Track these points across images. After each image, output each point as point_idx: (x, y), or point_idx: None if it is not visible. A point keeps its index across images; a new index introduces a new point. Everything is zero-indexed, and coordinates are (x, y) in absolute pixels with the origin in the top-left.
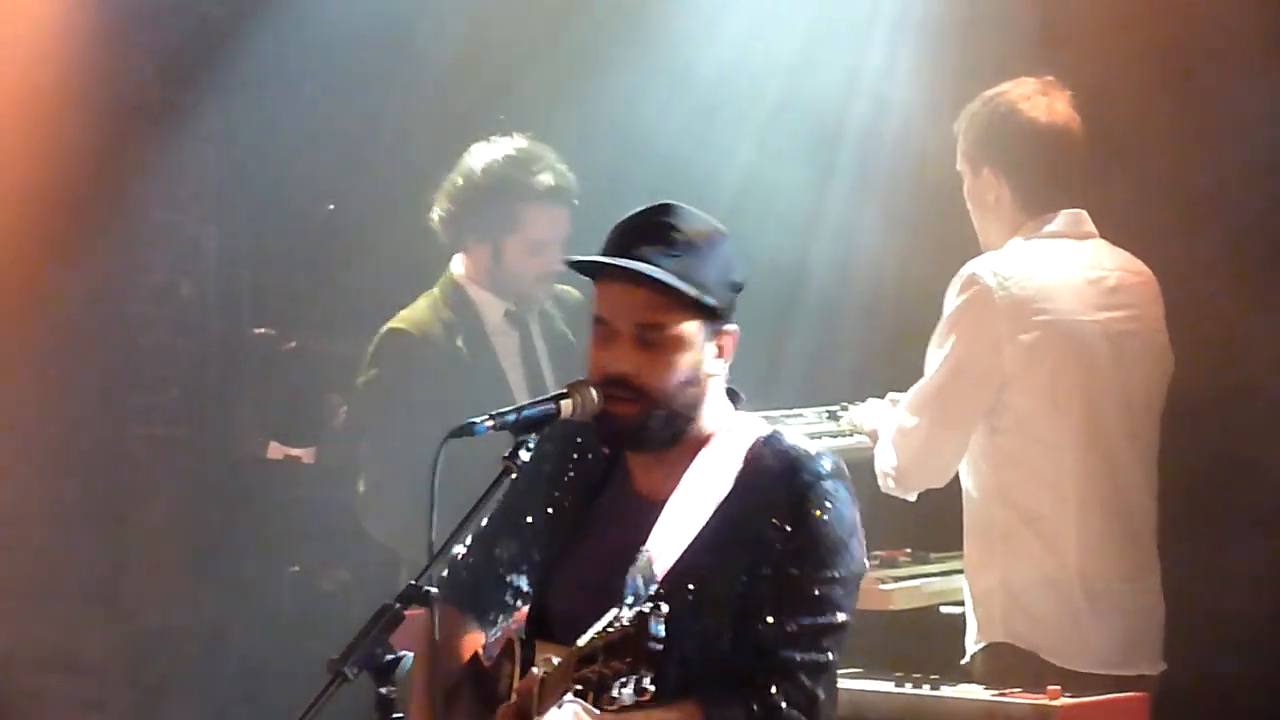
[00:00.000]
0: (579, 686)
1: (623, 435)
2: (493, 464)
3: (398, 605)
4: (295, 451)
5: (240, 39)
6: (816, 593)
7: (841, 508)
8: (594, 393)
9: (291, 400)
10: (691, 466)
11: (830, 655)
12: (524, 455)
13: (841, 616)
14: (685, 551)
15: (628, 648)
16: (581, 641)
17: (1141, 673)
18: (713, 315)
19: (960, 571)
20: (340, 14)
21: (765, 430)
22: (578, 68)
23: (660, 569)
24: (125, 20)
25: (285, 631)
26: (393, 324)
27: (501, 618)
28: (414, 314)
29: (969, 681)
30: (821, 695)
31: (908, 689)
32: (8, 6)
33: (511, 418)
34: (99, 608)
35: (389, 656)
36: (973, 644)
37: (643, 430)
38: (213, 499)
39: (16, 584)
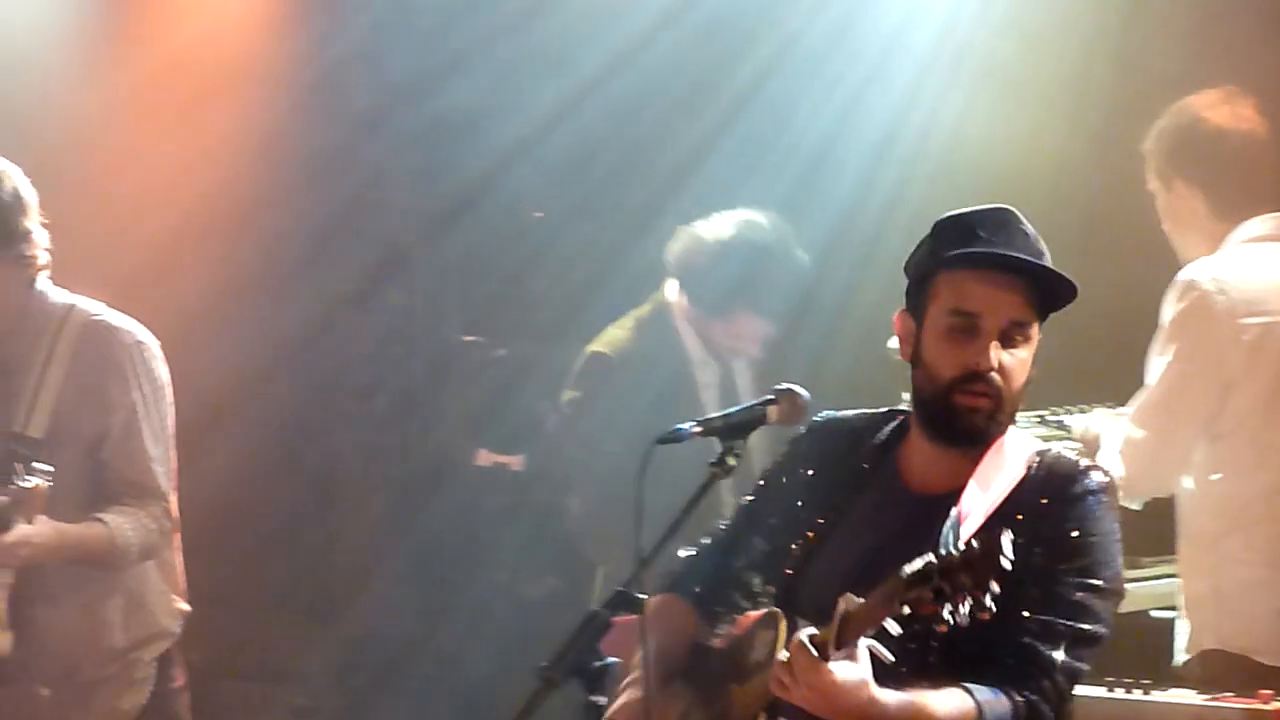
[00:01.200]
0: (907, 610)
1: (972, 430)
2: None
3: (606, 612)
4: (504, 458)
5: (458, 50)
6: (1083, 599)
7: (1112, 523)
8: (800, 399)
9: (500, 407)
10: (979, 468)
11: (1085, 665)
12: (731, 461)
13: (1102, 630)
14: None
15: (975, 566)
16: (906, 570)
17: None
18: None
19: (1172, 576)
20: (557, 33)
21: (1038, 443)
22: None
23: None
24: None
25: (493, 638)
26: (595, 346)
27: (727, 616)
28: (617, 336)
29: (1180, 686)
30: (1069, 693)
31: (1119, 694)
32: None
33: (718, 423)
34: (308, 615)
35: (597, 663)
36: (1184, 650)
37: (990, 427)
38: (421, 506)
39: (224, 592)
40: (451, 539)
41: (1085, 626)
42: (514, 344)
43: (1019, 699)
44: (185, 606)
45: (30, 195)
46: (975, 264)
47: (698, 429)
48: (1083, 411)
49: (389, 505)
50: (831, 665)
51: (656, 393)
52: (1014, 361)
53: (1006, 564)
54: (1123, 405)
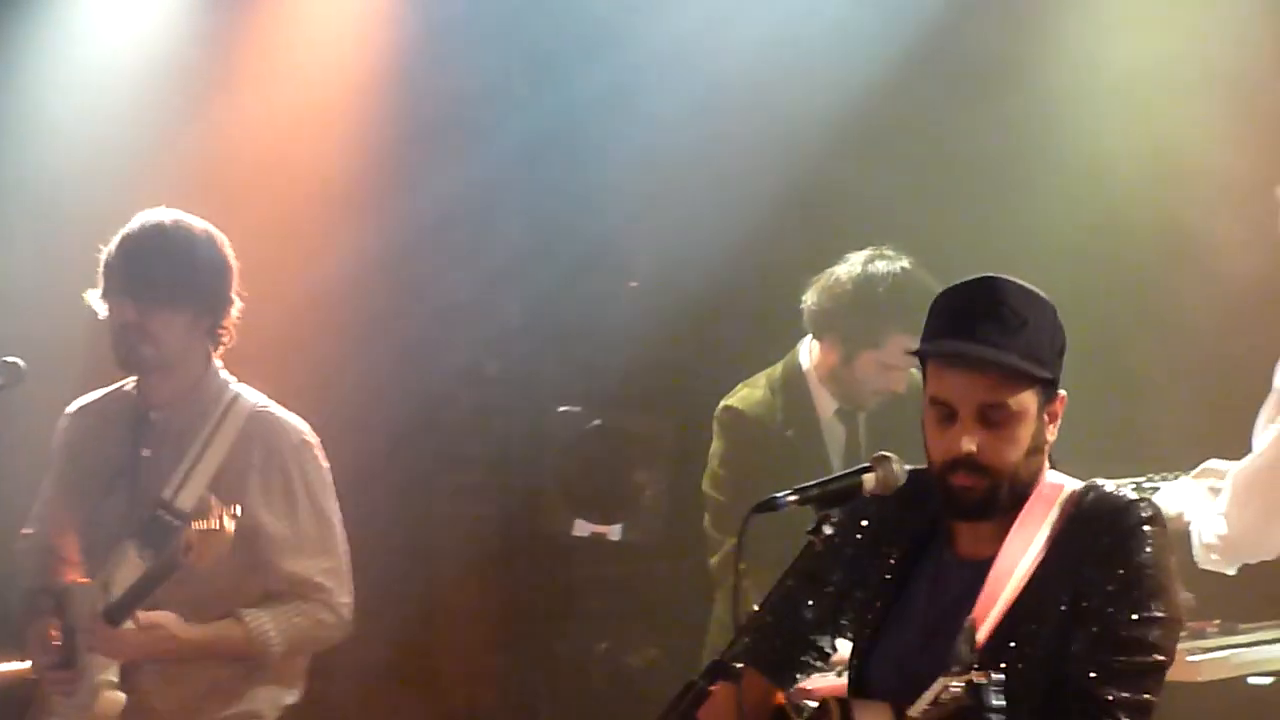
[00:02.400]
0: None
1: (970, 509)
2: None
3: (704, 682)
4: (601, 528)
5: (547, 115)
6: (1138, 635)
7: (1162, 552)
8: (897, 467)
9: (597, 477)
10: (1015, 527)
11: (1151, 696)
12: (827, 530)
13: (1161, 657)
14: (1009, 611)
15: (964, 718)
16: (913, 712)
17: None
18: (1049, 386)
19: (1270, 642)
20: (652, 85)
21: (1080, 483)
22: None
23: (984, 633)
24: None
25: (595, 709)
26: (729, 401)
27: (800, 677)
28: (751, 394)
29: None
30: None
31: None
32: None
33: (814, 492)
34: (412, 687)
35: None
36: None
37: (990, 503)
38: (520, 577)
39: (324, 664)
40: (552, 610)
41: (1143, 660)
42: (609, 413)
43: None
44: (292, 699)
45: (234, 264)
46: (928, 357)
47: (793, 498)
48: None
49: (489, 576)
50: None
51: (784, 448)
52: (1000, 438)
53: (993, 718)
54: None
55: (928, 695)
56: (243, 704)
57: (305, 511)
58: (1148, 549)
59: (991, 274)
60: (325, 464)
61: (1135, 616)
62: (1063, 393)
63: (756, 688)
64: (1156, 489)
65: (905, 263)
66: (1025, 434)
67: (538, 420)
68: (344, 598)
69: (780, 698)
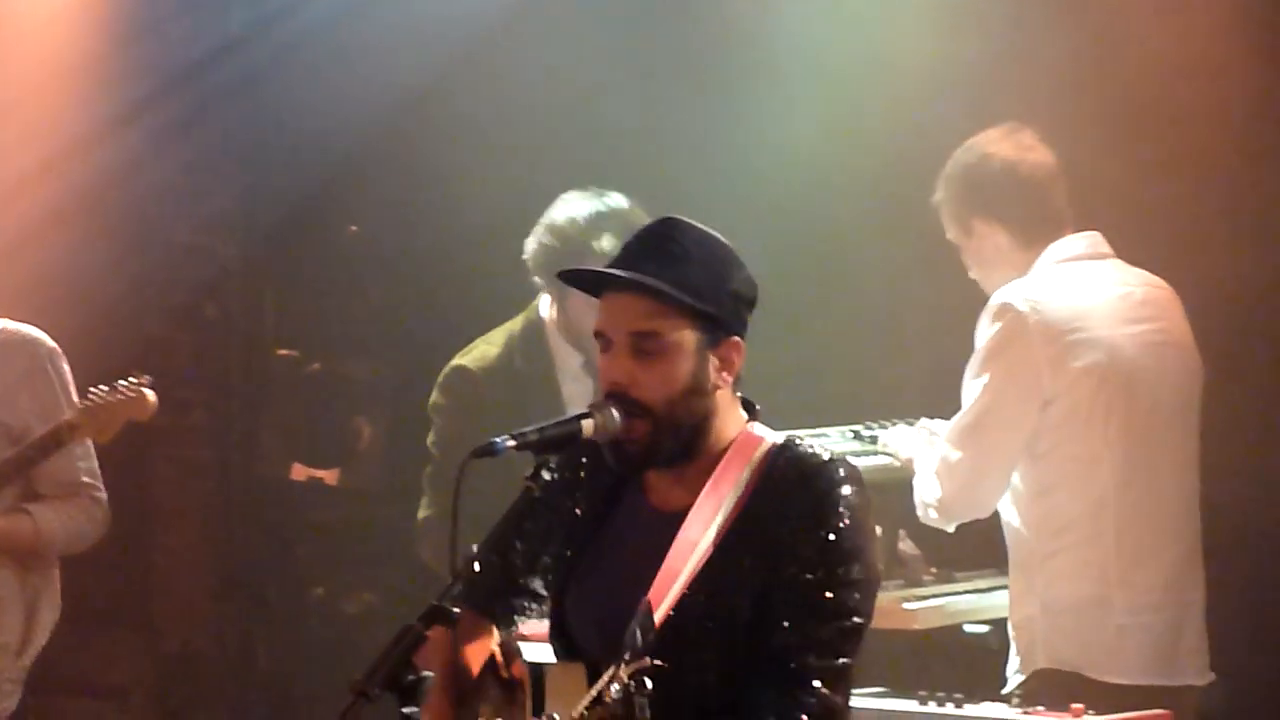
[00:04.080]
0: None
1: (633, 459)
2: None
3: (420, 626)
4: (319, 473)
5: (265, 57)
6: (833, 597)
7: (859, 512)
8: (615, 413)
9: (316, 422)
10: (709, 481)
11: (848, 660)
12: (545, 475)
13: (859, 620)
14: (692, 585)
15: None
16: (575, 713)
17: (1188, 683)
18: (712, 325)
19: (984, 590)
20: (354, 31)
21: (780, 438)
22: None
23: (661, 614)
24: (140, 31)
25: (310, 654)
26: (461, 360)
27: (518, 619)
28: (486, 352)
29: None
30: (840, 701)
31: (931, 708)
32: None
33: (534, 437)
34: (126, 631)
35: (411, 677)
36: (1014, 673)
37: (654, 453)
38: (238, 521)
39: None
40: (268, 555)
41: (840, 625)
42: (329, 358)
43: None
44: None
45: None
46: (585, 287)
47: (512, 443)
48: (909, 424)
49: (206, 520)
50: None
51: (518, 405)
52: (653, 371)
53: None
54: (945, 419)
55: (590, 695)
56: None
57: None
58: (843, 510)
59: (674, 215)
60: (66, 368)
61: (831, 581)
62: (737, 338)
63: (472, 632)
64: (874, 436)
65: (613, 200)
66: (682, 370)
67: (256, 364)
68: (103, 494)
69: (494, 643)
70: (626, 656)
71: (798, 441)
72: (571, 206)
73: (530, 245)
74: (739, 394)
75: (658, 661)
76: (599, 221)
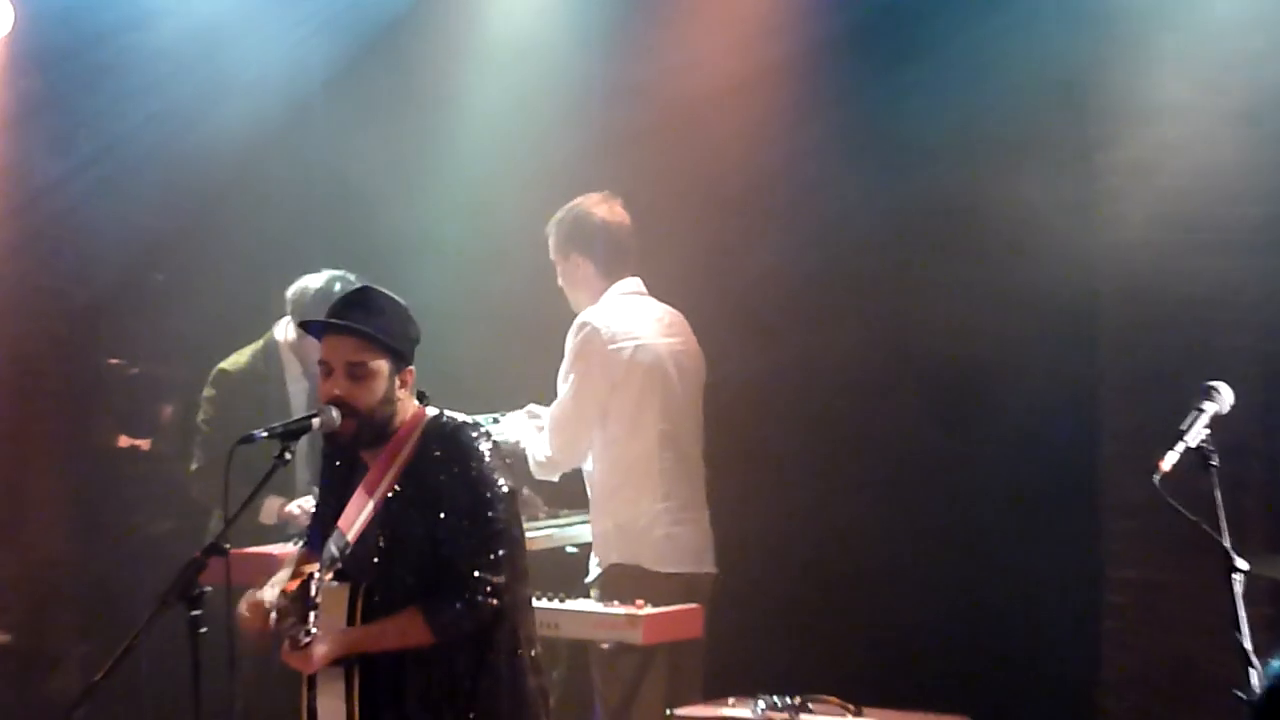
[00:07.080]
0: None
1: (343, 442)
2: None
3: (203, 557)
4: (138, 442)
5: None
6: (483, 512)
7: (489, 454)
8: (335, 413)
9: (136, 407)
10: (387, 448)
11: (504, 551)
12: (288, 456)
13: (501, 523)
14: (380, 510)
15: (294, 607)
16: (282, 589)
17: (708, 570)
18: (398, 357)
19: (581, 522)
20: (165, 37)
21: (435, 411)
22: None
23: (354, 532)
24: None
25: (128, 562)
26: (223, 365)
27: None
28: (239, 359)
29: (588, 598)
30: (500, 582)
31: (543, 603)
32: None
33: (280, 430)
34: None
35: (196, 590)
36: (595, 567)
37: (358, 437)
38: (80, 476)
39: None
40: (102, 494)
41: (492, 529)
42: (145, 364)
43: (466, 597)
44: None
45: None
46: (315, 333)
47: (264, 434)
48: (521, 409)
49: (64, 473)
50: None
51: (261, 397)
52: (361, 388)
53: (313, 609)
54: (545, 405)
55: (302, 587)
56: None
57: None
58: (476, 452)
59: (367, 284)
60: None
61: (477, 500)
62: (412, 367)
63: (308, 558)
64: (497, 421)
65: (330, 278)
66: (379, 388)
67: (96, 369)
68: None
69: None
70: (325, 562)
71: (445, 413)
72: (313, 280)
73: (290, 295)
74: (413, 392)
75: (331, 572)
76: (328, 289)
